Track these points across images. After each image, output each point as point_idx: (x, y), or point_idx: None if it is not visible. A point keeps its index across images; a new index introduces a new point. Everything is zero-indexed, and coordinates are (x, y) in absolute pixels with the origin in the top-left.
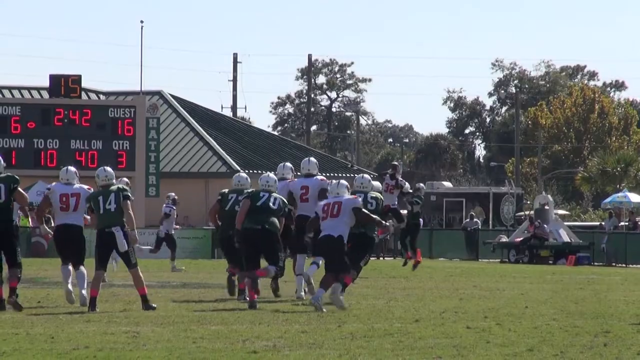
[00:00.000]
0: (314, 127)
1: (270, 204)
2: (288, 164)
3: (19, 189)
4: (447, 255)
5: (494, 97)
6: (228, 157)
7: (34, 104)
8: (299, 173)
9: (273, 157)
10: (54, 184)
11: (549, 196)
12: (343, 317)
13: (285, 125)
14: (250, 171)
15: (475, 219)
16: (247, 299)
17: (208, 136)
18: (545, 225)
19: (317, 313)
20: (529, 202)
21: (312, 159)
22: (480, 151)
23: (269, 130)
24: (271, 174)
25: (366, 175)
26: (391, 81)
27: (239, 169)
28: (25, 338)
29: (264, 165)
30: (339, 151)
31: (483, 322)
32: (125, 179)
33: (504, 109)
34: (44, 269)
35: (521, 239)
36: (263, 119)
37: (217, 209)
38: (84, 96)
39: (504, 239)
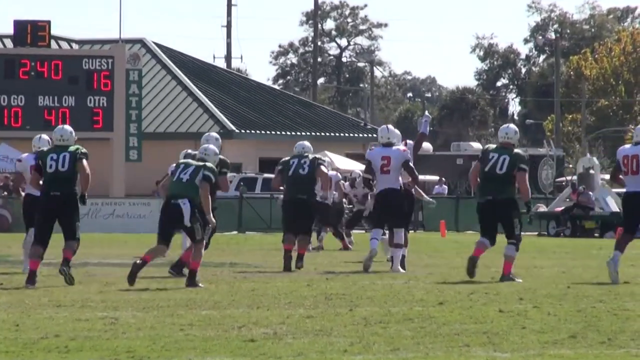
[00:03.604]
0: (321, 80)
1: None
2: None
3: None
4: (476, 228)
5: (530, 45)
6: (221, 115)
7: None
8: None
9: (273, 115)
10: (24, 155)
11: (595, 159)
12: (355, 300)
13: (288, 77)
14: (247, 131)
15: None
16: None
17: (198, 91)
18: (590, 193)
19: (324, 295)
20: (571, 165)
21: (391, 126)
22: (514, 107)
23: (269, 83)
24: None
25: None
26: (410, 26)
27: (233, 128)
28: None
29: (263, 124)
30: (350, 108)
31: (518, 305)
32: (214, 134)
33: (541, 58)
34: (7, 246)
35: (562, 208)
36: (262, 71)
37: (279, 180)
38: (53, 45)
39: (543, 208)
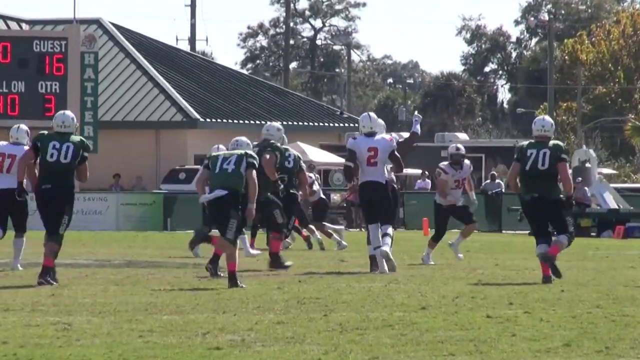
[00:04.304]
0: (293, 65)
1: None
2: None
3: None
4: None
5: (522, 26)
6: (184, 102)
7: None
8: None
9: (241, 102)
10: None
11: (591, 151)
12: (330, 304)
13: (257, 62)
14: (212, 120)
15: (497, 180)
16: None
17: (159, 76)
18: (586, 188)
19: (296, 299)
20: None
21: (373, 114)
22: (504, 94)
23: (237, 68)
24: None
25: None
26: (391, 5)
27: (198, 116)
28: None
29: (230, 112)
30: (325, 94)
31: (507, 310)
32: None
33: (533, 41)
34: None
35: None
36: (229, 55)
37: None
38: (1, 25)
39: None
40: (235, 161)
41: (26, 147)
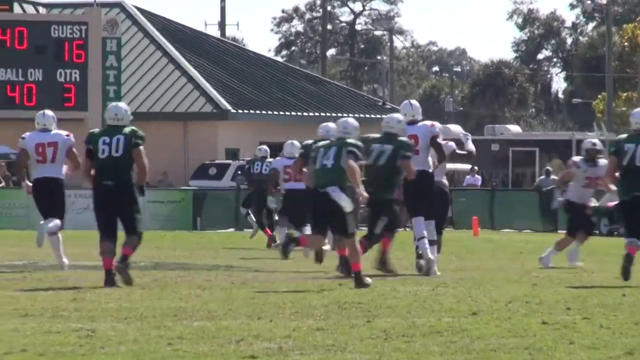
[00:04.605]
0: (331, 51)
1: None
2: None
3: None
4: (515, 225)
5: (577, 10)
6: (214, 92)
7: None
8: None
9: (276, 92)
10: (28, 133)
11: None
12: (374, 310)
13: (293, 48)
14: (244, 111)
15: (552, 176)
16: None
17: (187, 63)
18: None
19: (337, 304)
20: None
21: (415, 101)
22: (558, 83)
23: (270, 55)
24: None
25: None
26: None
27: (229, 107)
28: None
29: (263, 102)
30: (365, 84)
31: (565, 316)
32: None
33: (590, 26)
34: None
35: (616, 202)
36: (262, 41)
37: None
38: (16, 9)
39: (593, 202)
40: (335, 155)
41: (55, 132)
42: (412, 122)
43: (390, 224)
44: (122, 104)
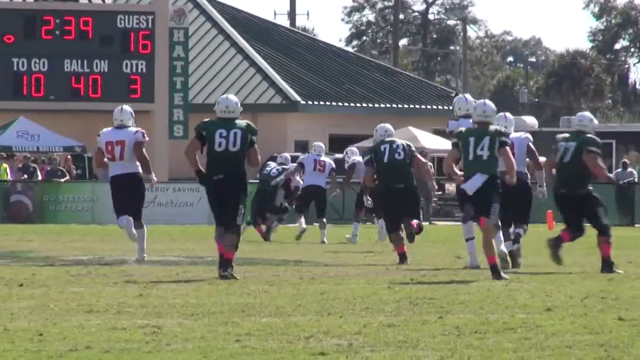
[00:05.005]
0: (403, 42)
1: None
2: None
3: None
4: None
5: None
6: (284, 83)
7: (13, 10)
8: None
9: (346, 83)
10: (104, 129)
11: None
12: (446, 306)
13: (364, 38)
14: (315, 102)
15: (629, 169)
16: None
17: (256, 54)
18: None
19: (408, 300)
20: None
21: (469, 96)
22: (636, 74)
23: (341, 45)
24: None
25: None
26: None
27: (299, 99)
28: (3, 335)
29: (333, 94)
30: (438, 74)
31: None
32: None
33: None
34: (26, 239)
35: None
36: (332, 31)
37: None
38: None
39: None
40: (489, 146)
41: (131, 129)
42: (467, 117)
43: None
44: (232, 97)
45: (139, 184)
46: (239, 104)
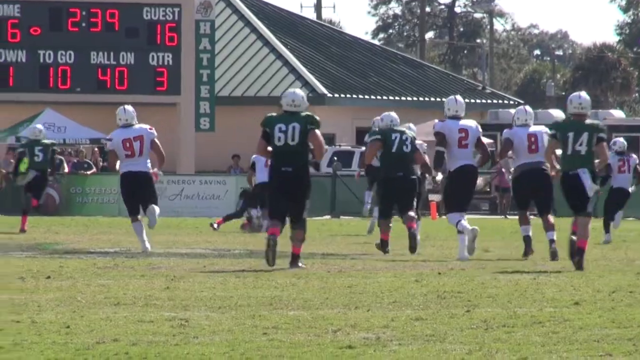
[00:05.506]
0: (430, 35)
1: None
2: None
3: None
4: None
5: None
6: (310, 76)
7: (40, 2)
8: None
9: (373, 76)
10: (113, 132)
11: None
12: (474, 299)
13: (390, 31)
14: (341, 95)
15: None
16: None
17: (282, 47)
18: None
19: (436, 294)
20: None
21: (460, 97)
22: None
23: (367, 38)
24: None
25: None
26: None
27: (325, 92)
28: (31, 328)
29: (360, 87)
30: (465, 67)
31: None
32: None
33: None
34: (53, 232)
35: None
36: (358, 24)
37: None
38: None
39: None
40: (587, 141)
41: (138, 126)
42: (457, 117)
43: None
44: (299, 91)
45: (151, 181)
46: (305, 98)
